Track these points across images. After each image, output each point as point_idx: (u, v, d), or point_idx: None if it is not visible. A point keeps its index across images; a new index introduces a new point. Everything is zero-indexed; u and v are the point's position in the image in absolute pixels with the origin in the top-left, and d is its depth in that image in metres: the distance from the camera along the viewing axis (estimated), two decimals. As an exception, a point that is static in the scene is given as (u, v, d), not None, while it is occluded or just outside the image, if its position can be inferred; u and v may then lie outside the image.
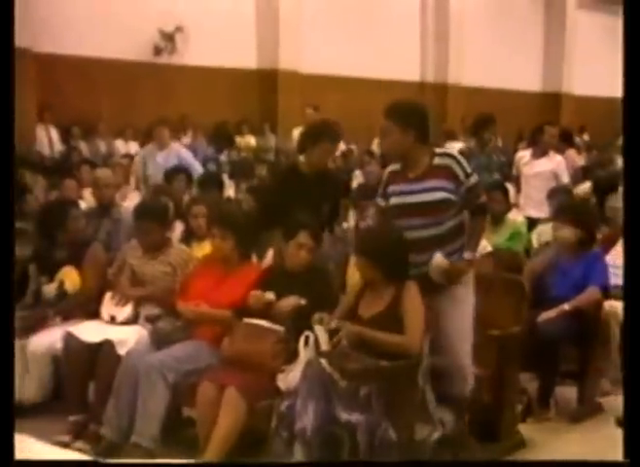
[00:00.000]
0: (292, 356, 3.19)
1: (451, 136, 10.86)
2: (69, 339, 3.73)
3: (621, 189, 6.23)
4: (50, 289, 4.09)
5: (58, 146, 9.86)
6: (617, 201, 5.22)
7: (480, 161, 6.30)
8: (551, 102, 16.53)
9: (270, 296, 3.41)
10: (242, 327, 3.39)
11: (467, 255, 3.24)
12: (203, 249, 4.28)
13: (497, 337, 3.45)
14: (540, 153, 6.37)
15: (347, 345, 3.07)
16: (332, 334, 3.10)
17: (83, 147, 9.97)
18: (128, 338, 3.67)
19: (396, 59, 13.66)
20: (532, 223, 5.91)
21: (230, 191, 7.29)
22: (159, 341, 3.61)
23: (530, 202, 6.22)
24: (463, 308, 3.29)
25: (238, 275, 3.67)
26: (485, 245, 4.53)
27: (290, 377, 3.11)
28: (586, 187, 7.12)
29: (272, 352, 3.26)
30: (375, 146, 11.88)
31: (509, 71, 15.32)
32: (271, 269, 3.79)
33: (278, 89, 12.07)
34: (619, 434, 2.43)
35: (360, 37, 12.96)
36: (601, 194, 5.90)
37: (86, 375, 3.70)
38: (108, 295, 3.96)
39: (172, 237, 4.43)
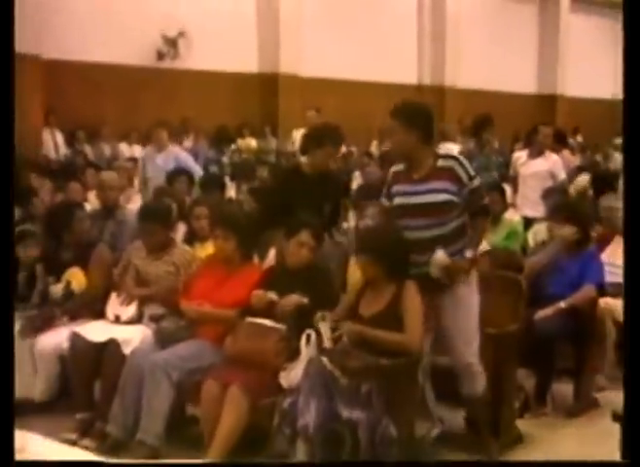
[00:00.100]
0: (294, 354, 3.19)
1: (448, 138, 10.84)
2: (75, 338, 3.73)
3: (615, 188, 6.24)
4: (57, 289, 4.08)
5: (64, 149, 9.87)
6: (611, 201, 5.22)
7: (479, 161, 6.29)
8: (545, 104, 16.53)
9: (273, 296, 3.40)
10: (245, 326, 3.38)
11: (468, 253, 3.22)
12: (206, 250, 4.28)
13: (495, 335, 3.43)
14: (536, 153, 6.37)
15: (348, 344, 3.07)
16: (333, 332, 3.10)
17: (88, 150, 9.98)
18: (133, 337, 3.67)
19: (394, 63, 13.68)
20: (528, 222, 5.91)
21: (231, 192, 7.29)
22: (163, 340, 3.60)
23: (527, 202, 6.21)
24: (467, 308, 3.27)
25: (241, 275, 3.66)
26: (483, 244, 4.52)
27: (292, 375, 3.10)
28: (584, 179, 7.12)
29: (275, 351, 3.25)
30: (374, 148, 11.90)
31: (504, 73, 15.32)
32: (273, 269, 3.79)
33: (279, 92, 12.08)
34: (615, 429, 2.42)
35: (358, 41, 12.97)
36: (597, 190, 5.90)
37: (92, 373, 3.69)
38: (113, 295, 3.96)
39: (176, 238, 4.43)
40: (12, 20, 1.92)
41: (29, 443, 2.23)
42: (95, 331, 3.76)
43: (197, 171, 6.71)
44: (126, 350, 3.59)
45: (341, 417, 2.89)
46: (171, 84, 10.86)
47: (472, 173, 3.23)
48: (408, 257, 3.21)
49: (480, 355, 3.32)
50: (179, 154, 6.81)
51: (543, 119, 11.18)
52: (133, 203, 6.25)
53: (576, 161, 10.18)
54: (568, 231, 4.18)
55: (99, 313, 3.97)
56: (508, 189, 6.26)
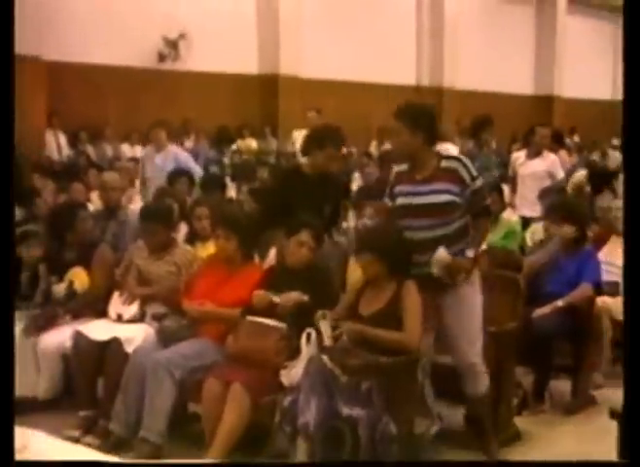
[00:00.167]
0: (294, 353, 3.19)
1: (446, 138, 10.83)
2: (78, 337, 3.73)
3: (612, 183, 6.25)
4: (59, 289, 4.09)
5: (66, 150, 9.85)
6: (607, 201, 5.22)
7: (480, 161, 6.29)
8: (542, 105, 16.53)
9: (273, 297, 3.39)
10: (246, 325, 3.38)
11: (469, 253, 3.20)
12: (207, 249, 4.27)
13: (493, 333, 3.43)
14: (534, 153, 6.37)
15: (348, 342, 3.06)
16: (333, 330, 3.09)
17: (90, 151, 9.96)
18: (136, 336, 3.67)
19: (393, 64, 13.67)
20: (526, 222, 5.91)
21: (232, 193, 7.28)
22: (165, 338, 3.60)
23: (525, 202, 6.21)
24: (470, 307, 3.25)
25: (242, 275, 3.66)
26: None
27: (292, 374, 3.10)
28: (581, 175, 7.12)
29: (275, 349, 3.25)
30: (373, 148, 11.90)
31: (502, 75, 15.32)
32: (274, 269, 3.78)
33: (279, 93, 12.06)
34: (612, 426, 2.42)
35: (357, 43, 12.96)
36: (594, 185, 5.89)
37: (94, 372, 3.69)
38: (115, 294, 3.95)
39: (177, 238, 4.42)
40: (12, 22, 1.91)
41: (32, 440, 2.22)
42: (98, 330, 3.76)
43: (197, 171, 6.69)
44: (129, 349, 3.59)
45: (342, 415, 2.89)
46: (172, 85, 10.85)
47: (474, 174, 3.22)
48: (409, 256, 3.20)
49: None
50: (178, 153, 6.79)
51: (540, 119, 11.17)
52: (135, 204, 6.25)
53: (573, 160, 10.18)
54: (566, 230, 4.18)
55: (102, 312, 3.97)
56: (506, 189, 6.27)
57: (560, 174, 6.38)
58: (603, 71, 18.01)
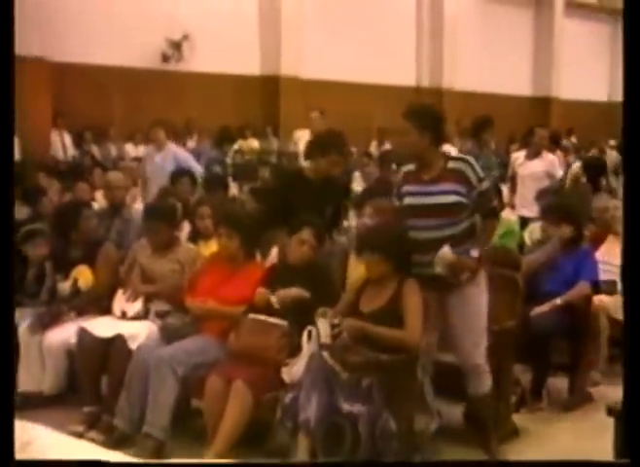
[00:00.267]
0: (295, 350, 3.18)
1: (446, 139, 10.82)
2: (83, 334, 3.72)
3: (606, 174, 6.25)
4: (64, 286, 4.08)
5: (72, 150, 9.85)
6: (603, 201, 5.22)
7: (481, 162, 6.27)
8: (540, 106, 16.53)
9: (274, 299, 3.38)
10: (248, 322, 3.38)
11: (474, 252, 3.15)
12: (210, 248, 4.26)
13: (492, 331, 3.41)
14: (533, 154, 6.37)
15: (349, 339, 3.05)
16: (334, 328, 3.09)
17: (95, 151, 9.96)
18: (139, 333, 3.66)
19: (393, 66, 13.67)
20: (524, 221, 5.90)
21: (233, 192, 7.27)
22: (168, 335, 3.59)
23: (525, 202, 6.20)
24: (476, 308, 3.21)
25: (244, 273, 3.66)
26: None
27: (294, 370, 3.10)
28: (577, 166, 7.12)
29: (277, 346, 3.25)
30: (373, 148, 11.89)
31: (500, 76, 15.32)
32: (275, 267, 3.78)
33: (280, 94, 12.06)
34: (609, 423, 2.41)
35: (358, 44, 12.96)
36: (589, 176, 5.88)
37: (99, 368, 3.69)
38: (119, 291, 3.95)
39: (180, 237, 4.42)
40: (12, 22, 1.90)
41: (37, 435, 2.22)
42: (102, 326, 3.75)
43: (198, 169, 6.67)
44: (133, 345, 3.58)
45: (342, 412, 2.89)
46: (175, 86, 10.84)
47: (481, 175, 3.19)
48: (410, 254, 3.18)
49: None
50: (178, 152, 6.76)
51: (538, 120, 11.15)
52: (139, 202, 6.24)
53: (569, 161, 10.18)
54: (563, 230, 4.17)
55: (106, 309, 3.97)
56: (505, 188, 6.25)
57: (559, 174, 6.38)
58: (600, 73, 18.01)
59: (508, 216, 5.74)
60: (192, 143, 10.40)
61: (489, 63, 15.09)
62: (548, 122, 14.30)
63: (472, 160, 3.26)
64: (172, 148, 6.75)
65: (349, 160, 8.50)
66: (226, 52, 11.28)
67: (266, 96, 12.03)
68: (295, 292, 3.35)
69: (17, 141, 8.46)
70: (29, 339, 3.92)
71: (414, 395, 3.13)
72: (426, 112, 3.24)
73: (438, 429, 3.24)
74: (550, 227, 4.38)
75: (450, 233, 3.12)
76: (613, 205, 4.91)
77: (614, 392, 3.43)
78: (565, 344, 4.10)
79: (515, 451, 3.39)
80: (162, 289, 3.89)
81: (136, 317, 3.82)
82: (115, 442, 3.38)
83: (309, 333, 3.12)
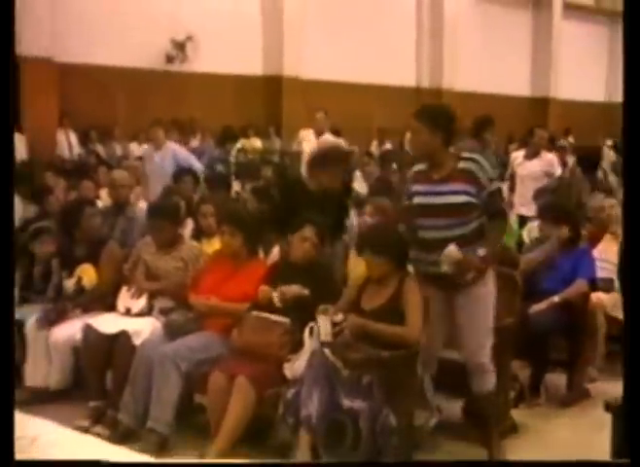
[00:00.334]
0: (297, 346, 3.18)
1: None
2: (88, 330, 3.72)
3: (600, 165, 6.24)
4: (69, 284, 4.08)
5: (77, 149, 9.86)
6: (598, 200, 5.21)
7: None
8: (539, 106, 16.51)
9: (275, 297, 3.37)
10: (250, 319, 3.37)
11: (481, 251, 3.11)
12: (213, 245, 4.26)
13: (492, 328, 3.41)
14: (532, 154, 6.37)
15: (350, 336, 3.05)
16: (335, 325, 3.08)
17: (100, 150, 9.96)
18: (143, 329, 3.66)
19: (393, 66, 13.65)
20: (523, 220, 5.90)
21: (236, 190, 7.26)
22: (172, 332, 3.59)
23: (524, 201, 6.20)
24: (483, 308, 3.18)
25: (247, 270, 3.65)
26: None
27: (296, 366, 3.09)
28: (572, 160, 7.12)
29: (279, 343, 3.24)
30: (374, 148, 11.89)
31: (499, 77, 15.30)
32: (278, 265, 3.77)
33: (282, 94, 12.06)
34: (606, 418, 2.41)
35: (359, 46, 12.95)
36: (584, 168, 5.87)
37: (104, 364, 3.68)
38: (124, 288, 3.95)
39: (184, 234, 4.41)
40: (12, 23, 1.90)
41: (43, 430, 2.22)
42: (107, 323, 3.75)
43: (199, 167, 6.67)
44: (137, 342, 3.58)
45: (343, 407, 2.88)
46: (179, 86, 10.84)
47: (491, 176, 3.15)
48: (415, 253, 3.17)
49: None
50: (177, 151, 6.73)
51: (536, 121, 11.14)
52: (143, 201, 6.24)
53: (568, 159, 10.16)
54: (561, 231, 4.17)
55: (111, 306, 3.97)
56: (504, 188, 6.24)
57: (558, 172, 6.37)
58: (597, 74, 17.99)
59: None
60: (195, 142, 10.39)
61: (488, 64, 15.08)
62: (546, 122, 14.29)
63: (482, 160, 3.21)
64: (171, 147, 6.74)
65: (350, 159, 8.52)
66: (229, 52, 11.28)
67: (269, 96, 12.02)
68: (295, 289, 3.35)
69: (24, 141, 8.48)
70: (36, 335, 3.93)
71: (414, 391, 3.13)
72: (438, 112, 3.20)
73: (437, 424, 3.24)
74: (547, 226, 4.37)
75: (459, 233, 3.07)
76: (609, 204, 4.90)
77: (611, 388, 3.44)
78: (563, 341, 4.10)
79: (514, 447, 3.38)
80: (166, 286, 3.88)
81: (140, 314, 3.82)
82: (120, 436, 3.38)
83: (311, 329, 3.12)
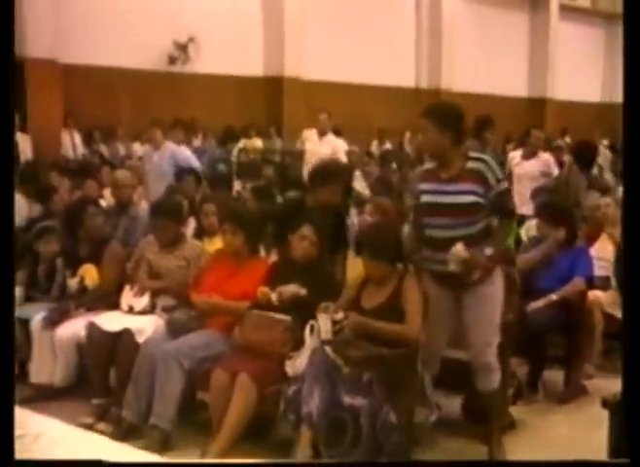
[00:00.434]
0: (299, 344, 3.16)
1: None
2: (92, 328, 3.71)
3: (595, 161, 6.20)
4: (72, 284, 4.07)
5: (81, 149, 9.83)
6: (594, 199, 5.20)
7: None
8: (536, 107, 16.49)
9: (274, 297, 3.35)
10: (252, 317, 3.36)
11: (488, 251, 3.07)
12: (214, 244, 4.25)
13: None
14: (529, 154, 6.36)
15: (350, 334, 3.04)
16: (335, 323, 3.07)
17: (103, 150, 9.94)
18: (146, 327, 3.65)
19: (392, 67, 13.64)
20: (521, 219, 5.87)
21: (237, 189, 7.25)
22: (174, 329, 3.57)
23: (521, 200, 6.17)
24: (490, 308, 3.15)
25: (248, 269, 3.64)
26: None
27: (297, 364, 3.08)
28: (569, 159, 7.10)
29: (281, 340, 3.22)
30: (374, 148, 11.87)
31: (497, 78, 15.29)
32: (278, 264, 3.75)
33: (283, 94, 12.04)
34: (603, 414, 2.39)
35: (358, 47, 12.93)
36: (580, 164, 5.84)
37: (107, 361, 3.68)
38: (127, 287, 3.93)
39: (186, 233, 4.40)
40: (12, 24, 1.88)
41: (48, 427, 2.21)
42: (111, 321, 3.74)
43: (198, 166, 6.66)
44: (140, 339, 3.57)
45: (344, 405, 2.87)
46: (182, 87, 10.83)
47: (500, 176, 3.11)
48: (411, 252, 3.17)
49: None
50: (175, 151, 6.70)
51: (533, 121, 11.12)
52: (145, 200, 6.23)
53: (565, 159, 10.14)
54: (559, 232, 4.15)
55: (114, 304, 3.95)
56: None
57: (555, 172, 6.35)
58: (593, 75, 17.97)
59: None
60: (197, 142, 10.38)
61: (486, 65, 15.06)
62: (543, 122, 14.28)
63: (490, 160, 3.17)
64: (170, 147, 6.72)
65: (351, 159, 8.51)
66: (230, 54, 11.26)
67: (270, 97, 12.01)
68: (293, 289, 3.33)
69: (29, 141, 8.47)
70: (41, 333, 3.91)
71: (414, 388, 3.11)
72: (447, 111, 3.15)
73: (436, 421, 3.23)
74: (545, 225, 4.35)
75: (465, 233, 3.03)
76: (604, 203, 4.89)
77: (608, 385, 3.42)
78: (560, 339, 4.09)
79: (512, 443, 3.36)
80: (169, 284, 3.87)
81: (143, 312, 3.80)
82: (123, 433, 3.37)
83: (312, 327, 3.11)
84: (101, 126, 10.04)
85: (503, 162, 6.89)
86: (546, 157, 6.46)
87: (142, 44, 10.29)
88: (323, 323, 3.04)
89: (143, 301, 3.85)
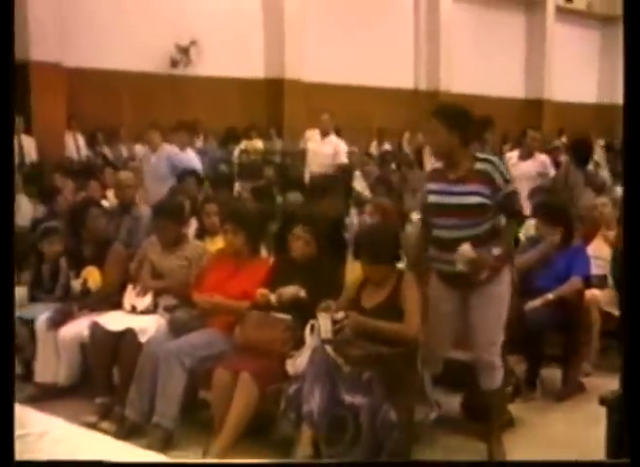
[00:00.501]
0: (299, 342, 3.16)
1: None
2: (95, 328, 3.70)
3: (591, 158, 6.17)
4: (75, 285, 4.07)
5: (85, 151, 9.84)
6: (590, 199, 5.19)
7: None
8: (533, 108, 16.48)
9: (273, 298, 3.34)
10: (253, 316, 3.35)
11: (495, 250, 3.05)
12: (216, 244, 4.24)
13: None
14: (526, 155, 6.34)
15: (350, 333, 3.03)
16: (336, 322, 3.06)
17: (106, 151, 9.94)
18: (149, 326, 3.64)
19: (392, 69, 13.64)
20: (520, 219, 5.85)
21: (238, 190, 7.24)
22: (176, 329, 3.57)
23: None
24: (497, 307, 3.13)
25: (249, 268, 3.63)
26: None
27: (298, 362, 3.08)
28: (566, 159, 7.08)
29: (282, 339, 3.21)
30: (373, 148, 11.86)
31: (494, 79, 15.28)
32: (278, 264, 3.74)
33: (284, 96, 12.04)
34: (600, 412, 2.38)
35: (358, 49, 12.93)
36: (576, 162, 5.83)
37: (110, 360, 3.67)
38: (129, 287, 3.92)
39: (188, 234, 4.39)
40: (11, 25, 1.87)
41: (52, 426, 2.20)
42: (113, 320, 3.73)
43: (199, 167, 6.65)
44: (143, 339, 3.56)
45: (344, 403, 2.87)
46: (184, 89, 10.82)
47: (507, 177, 3.08)
48: (399, 252, 3.16)
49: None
50: (172, 154, 6.66)
51: (530, 122, 11.10)
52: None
53: (561, 159, 10.13)
54: (556, 234, 4.15)
55: (117, 304, 3.94)
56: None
57: (551, 173, 6.33)
58: (589, 76, 17.96)
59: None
60: (199, 143, 10.38)
61: (483, 66, 15.06)
62: (540, 123, 14.26)
63: (498, 161, 3.15)
64: (167, 149, 6.70)
65: (351, 159, 8.51)
66: (231, 56, 11.26)
67: (271, 99, 12.01)
68: (292, 290, 3.32)
69: (34, 143, 8.47)
70: (45, 333, 3.91)
71: (414, 386, 3.10)
72: (456, 112, 3.12)
73: (436, 419, 3.22)
74: (542, 226, 4.34)
75: (472, 234, 3.01)
76: (601, 202, 4.88)
77: (605, 383, 3.41)
78: (558, 337, 4.07)
79: (510, 441, 3.35)
80: (171, 284, 3.86)
81: (146, 311, 3.79)
82: (126, 432, 3.37)
83: (312, 327, 3.10)
84: (104, 128, 10.04)
85: (501, 163, 6.89)
86: (542, 157, 6.44)
87: (145, 47, 10.29)
88: (323, 322, 3.03)
89: (145, 300, 3.84)
